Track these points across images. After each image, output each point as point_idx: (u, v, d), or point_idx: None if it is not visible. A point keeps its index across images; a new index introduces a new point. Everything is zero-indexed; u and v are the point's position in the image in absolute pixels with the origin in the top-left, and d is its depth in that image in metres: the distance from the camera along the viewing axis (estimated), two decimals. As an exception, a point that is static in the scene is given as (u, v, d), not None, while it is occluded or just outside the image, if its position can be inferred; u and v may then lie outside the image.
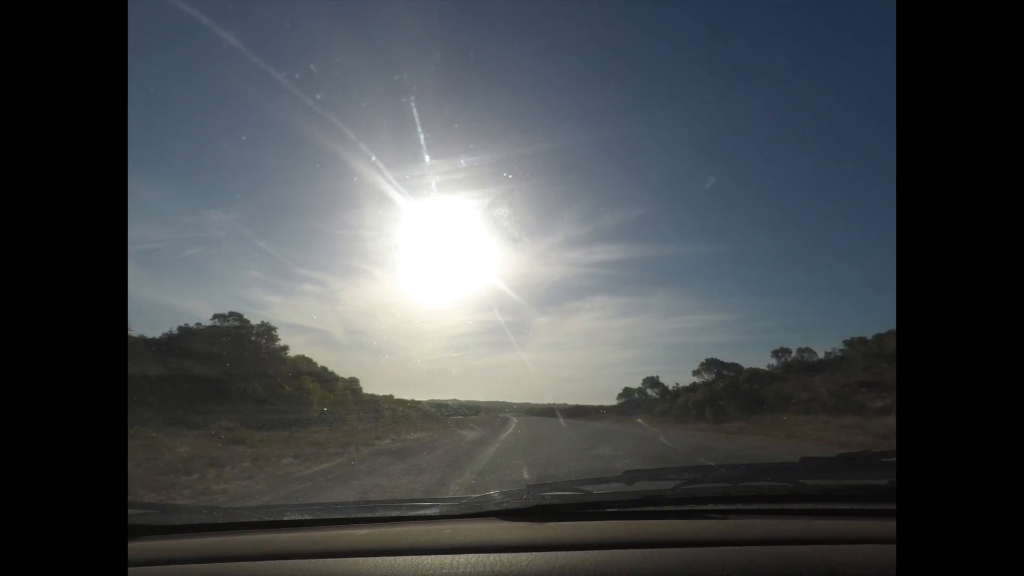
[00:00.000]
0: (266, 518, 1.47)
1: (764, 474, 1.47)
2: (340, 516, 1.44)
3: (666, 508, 1.34)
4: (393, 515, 1.44)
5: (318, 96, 21.46)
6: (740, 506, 1.32)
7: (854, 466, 1.43)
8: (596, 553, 1.01)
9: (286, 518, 1.47)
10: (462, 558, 1.02)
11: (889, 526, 1.06)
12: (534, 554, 1.02)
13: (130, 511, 1.43)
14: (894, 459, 1.33)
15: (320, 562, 1.05)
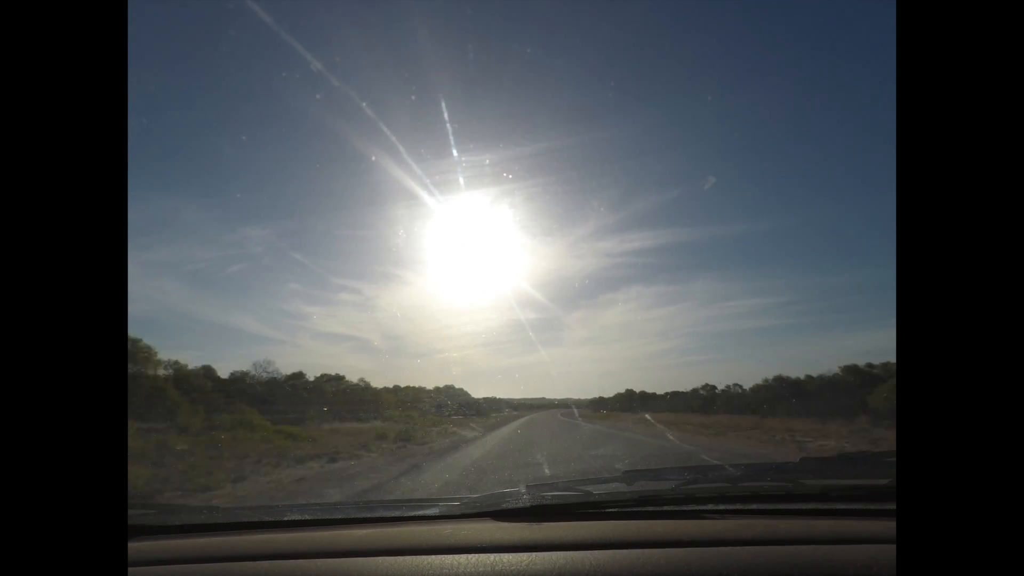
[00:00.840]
0: (266, 518, 1.47)
1: (764, 474, 1.47)
2: (340, 516, 1.44)
3: (666, 508, 1.34)
4: (393, 515, 1.44)
5: (341, 97, 21.20)
6: (740, 506, 1.32)
7: (854, 466, 1.43)
8: (596, 553, 1.00)
9: (286, 518, 1.47)
10: (462, 558, 1.02)
11: (889, 526, 1.06)
12: (534, 554, 1.02)
13: (130, 511, 1.43)
14: (894, 459, 1.33)
15: (320, 562, 1.05)
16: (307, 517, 1.47)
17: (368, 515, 1.44)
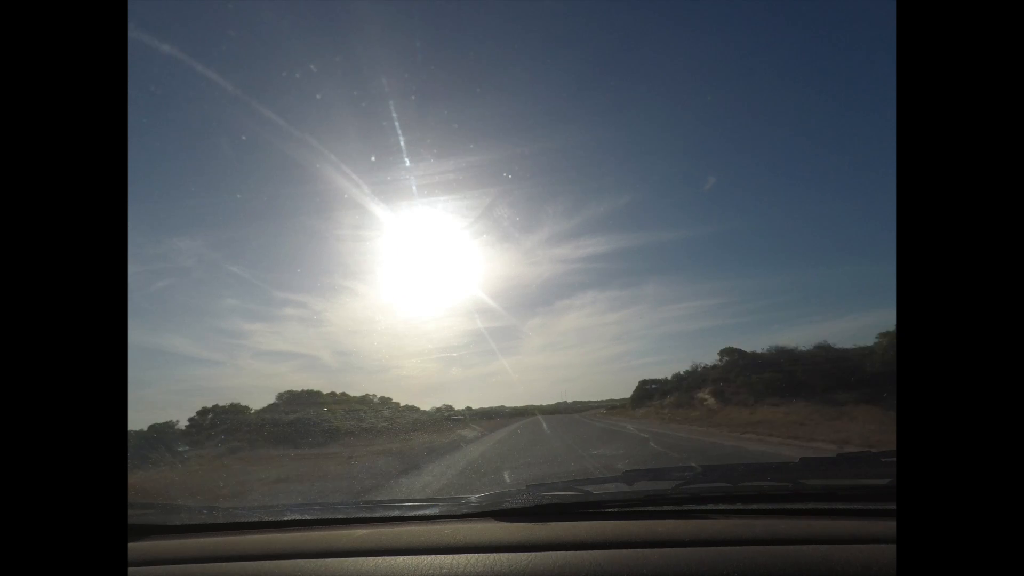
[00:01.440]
0: (266, 518, 1.47)
1: (764, 474, 1.47)
2: (340, 516, 1.44)
3: (666, 508, 1.34)
4: (393, 515, 1.44)
5: (282, 105, 20.57)
6: (740, 506, 1.32)
7: (854, 466, 1.43)
8: (596, 553, 1.00)
9: (286, 518, 1.47)
10: (462, 558, 1.02)
11: (889, 526, 1.06)
12: (534, 554, 1.02)
13: (130, 511, 1.43)
14: (894, 459, 1.33)
15: (320, 562, 1.05)
16: (307, 517, 1.47)
17: (368, 515, 1.44)
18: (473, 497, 1.51)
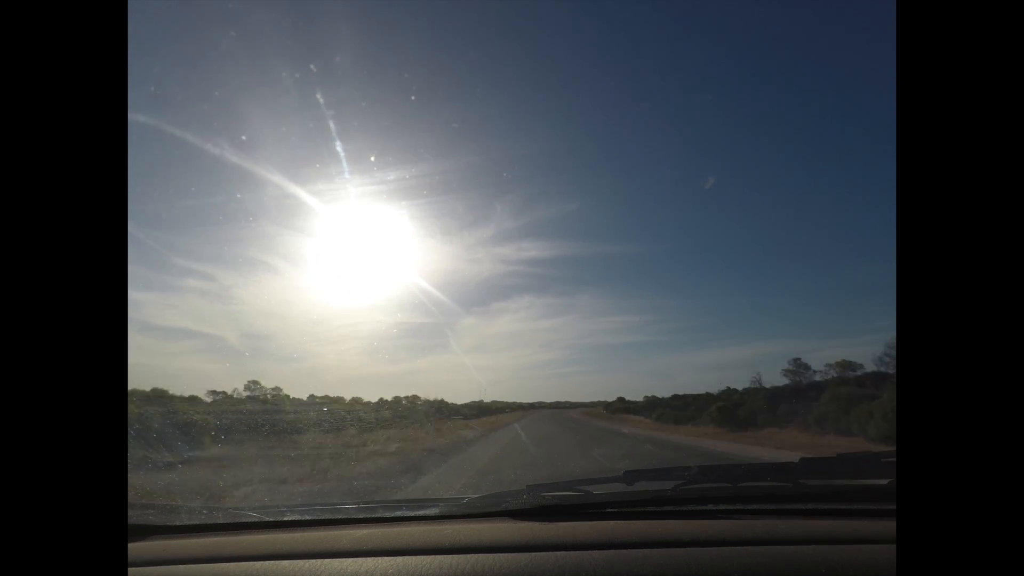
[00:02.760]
0: (266, 518, 1.46)
1: (764, 474, 1.47)
2: (340, 516, 1.44)
3: (666, 508, 1.34)
4: (393, 515, 1.44)
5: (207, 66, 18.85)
6: (740, 506, 1.32)
7: (854, 466, 1.43)
8: (596, 553, 1.00)
9: (286, 518, 1.47)
10: (462, 558, 1.02)
11: (889, 526, 1.06)
12: (534, 554, 1.02)
13: (130, 511, 1.43)
14: (894, 459, 1.33)
15: (320, 562, 1.05)
16: (307, 517, 1.47)
17: (368, 515, 1.44)
18: (473, 497, 1.51)
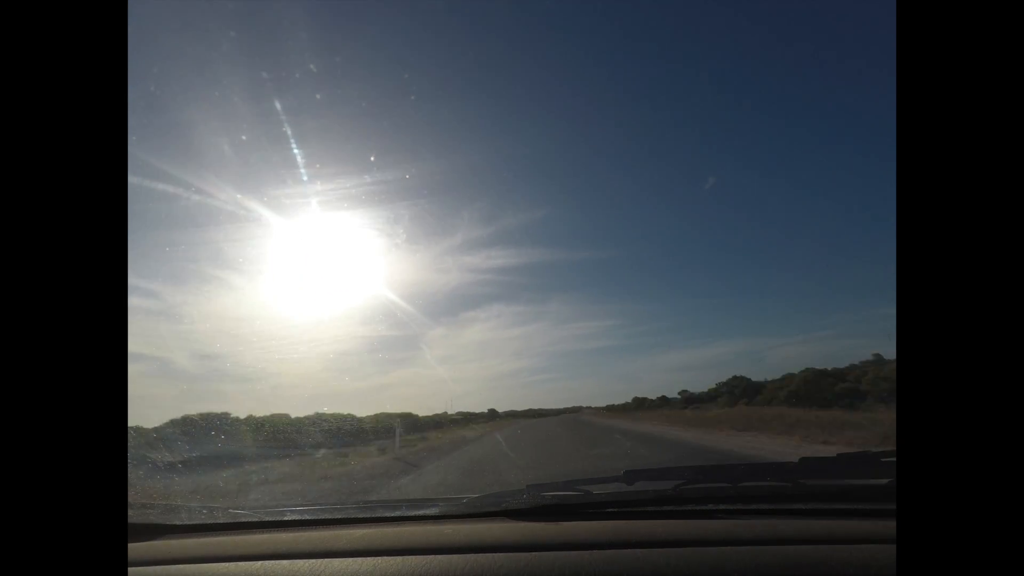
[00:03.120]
0: (266, 518, 1.46)
1: (764, 474, 1.47)
2: (340, 516, 1.44)
3: (666, 508, 1.34)
4: (393, 515, 1.44)
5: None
6: (740, 506, 1.32)
7: (854, 466, 1.43)
8: (596, 553, 1.00)
9: (286, 518, 1.47)
10: (462, 558, 1.02)
11: (889, 526, 1.06)
12: (534, 554, 1.02)
13: (130, 511, 1.43)
14: (894, 459, 1.33)
15: (320, 562, 1.05)
16: (307, 517, 1.47)
17: (368, 515, 1.44)
18: (473, 497, 1.51)
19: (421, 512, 1.43)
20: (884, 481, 1.31)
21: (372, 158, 23.97)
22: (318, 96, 20.09)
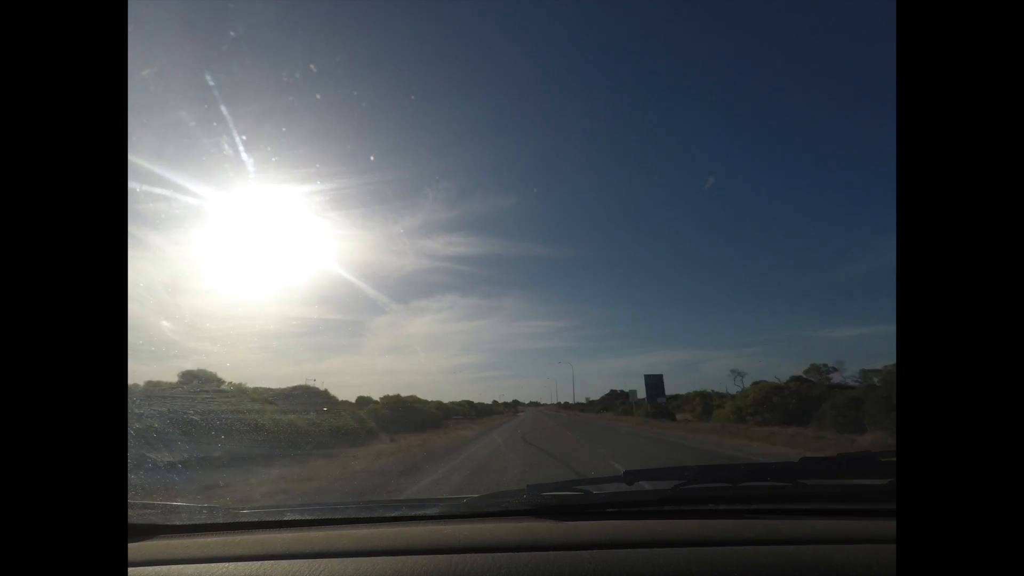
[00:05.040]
0: (266, 518, 1.47)
1: (764, 474, 1.47)
2: (340, 516, 1.44)
3: (666, 508, 1.34)
4: (393, 515, 1.44)
5: None
6: (740, 506, 1.32)
7: (854, 466, 1.43)
8: (596, 553, 1.00)
9: (286, 518, 1.47)
10: (462, 558, 1.02)
11: (889, 526, 1.06)
12: (534, 554, 1.02)
13: (130, 511, 1.43)
14: (894, 459, 1.33)
15: (320, 562, 1.05)
16: (307, 517, 1.47)
17: (368, 515, 1.44)
18: (473, 497, 1.51)
19: (421, 512, 1.43)
20: (884, 481, 1.31)
21: (328, 124, 21.31)
22: (247, 61, 18.52)
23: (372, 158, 28.57)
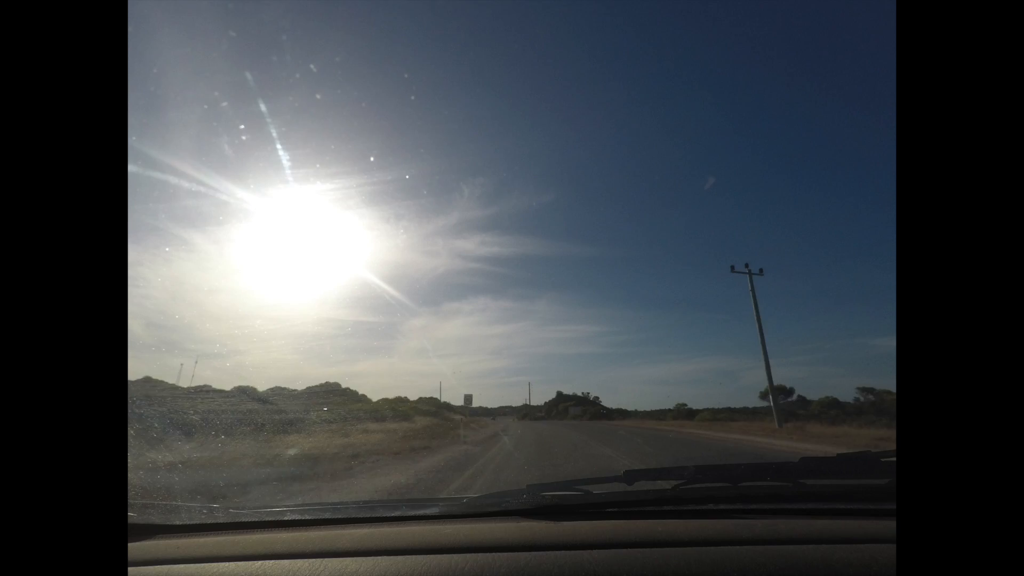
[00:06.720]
0: (266, 518, 1.46)
1: (764, 474, 1.47)
2: (340, 516, 1.44)
3: (666, 508, 1.34)
4: (393, 515, 1.44)
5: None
6: (740, 506, 1.32)
7: (854, 466, 1.43)
8: (596, 553, 1.00)
9: (286, 518, 1.46)
10: (462, 558, 1.02)
11: (889, 526, 1.06)
12: (534, 554, 1.02)
13: (130, 511, 1.43)
14: (894, 459, 1.33)
15: (320, 562, 1.05)
16: (307, 517, 1.47)
17: (368, 515, 1.44)
18: (473, 497, 1.51)
19: (421, 512, 1.43)
20: (884, 481, 1.31)
21: (369, 122, 21.43)
22: (299, 67, 19.16)
23: (412, 151, 28.10)
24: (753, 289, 22.48)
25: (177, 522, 1.42)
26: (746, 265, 22.97)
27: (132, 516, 1.40)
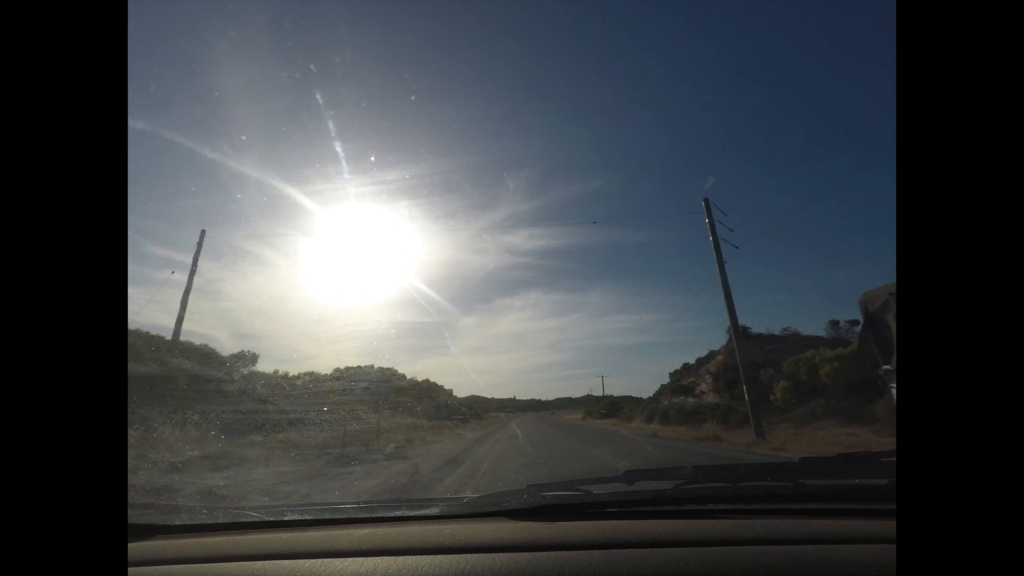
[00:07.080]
0: (266, 518, 1.46)
1: (764, 474, 1.47)
2: (340, 516, 1.44)
3: (666, 508, 1.34)
4: (393, 515, 1.44)
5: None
6: (740, 506, 1.32)
7: (854, 466, 1.43)
8: (596, 553, 1.00)
9: (286, 518, 1.47)
10: (462, 558, 1.02)
11: (889, 526, 1.06)
12: (534, 554, 1.02)
13: (130, 511, 1.43)
14: (894, 459, 1.33)
15: (320, 562, 1.05)
16: (307, 517, 1.47)
17: (368, 515, 1.44)
18: (473, 497, 1.51)
19: (421, 512, 1.43)
20: (884, 481, 1.31)
21: (419, 135, 22.76)
22: (360, 89, 19.83)
23: (456, 146, 29.05)
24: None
25: (177, 522, 1.42)
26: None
27: (132, 516, 1.40)
